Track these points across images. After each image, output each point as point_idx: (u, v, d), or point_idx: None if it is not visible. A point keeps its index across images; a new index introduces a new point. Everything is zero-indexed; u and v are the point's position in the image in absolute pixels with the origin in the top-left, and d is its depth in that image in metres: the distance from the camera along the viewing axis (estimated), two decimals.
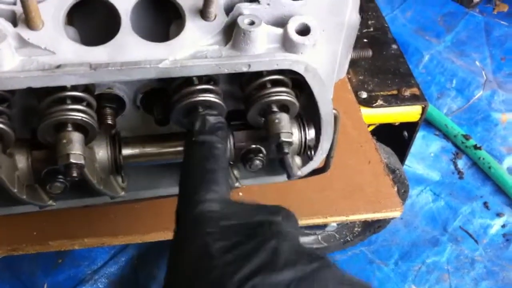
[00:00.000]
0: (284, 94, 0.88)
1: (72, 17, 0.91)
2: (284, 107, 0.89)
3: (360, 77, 1.62)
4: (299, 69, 0.86)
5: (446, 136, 2.23)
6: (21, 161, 0.86)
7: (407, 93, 1.59)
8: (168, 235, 1.23)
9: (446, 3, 2.72)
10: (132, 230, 1.23)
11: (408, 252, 1.93)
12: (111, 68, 0.80)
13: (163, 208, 1.21)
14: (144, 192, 1.00)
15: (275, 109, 0.88)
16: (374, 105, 1.56)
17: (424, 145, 2.19)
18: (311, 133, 0.95)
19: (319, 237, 1.83)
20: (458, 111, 2.33)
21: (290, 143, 0.87)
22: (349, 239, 1.84)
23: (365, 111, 1.54)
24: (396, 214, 1.34)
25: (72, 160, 0.80)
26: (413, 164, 2.13)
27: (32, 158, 0.87)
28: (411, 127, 1.67)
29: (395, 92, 1.60)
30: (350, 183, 1.35)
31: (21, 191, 0.87)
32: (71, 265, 1.72)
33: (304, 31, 0.86)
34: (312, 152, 0.96)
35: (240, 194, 1.24)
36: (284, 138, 0.86)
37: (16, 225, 1.18)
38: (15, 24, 0.81)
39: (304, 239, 1.79)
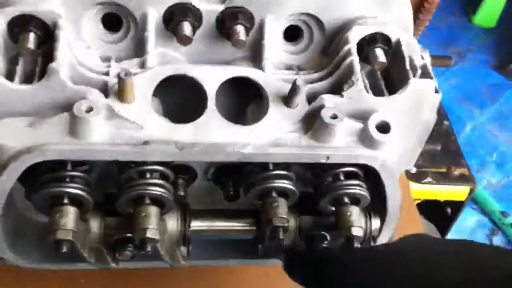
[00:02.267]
0: (357, 188, 0.89)
1: (157, 88, 0.93)
2: (355, 199, 0.90)
3: None
4: (375, 165, 0.87)
5: (483, 211, 2.22)
6: (94, 226, 0.88)
7: (457, 172, 1.59)
8: None
9: (490, 74, 2.73)
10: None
11: None
12: (196, 150, 0.82)
13: (211, 274, 1.21)
14: (203, 261, 1.01)
15: (347, 201, 0.89)
16: (423, 181, 1.56)
17: (461, 218, 2.18)
18: (375, 224, 0.96)
19: None
20: (497, 185, 2.32)
21: (359, 238, 0.88)
22: None
23: (414, 186, 1.55)
24: None
25: (149, 236, 0.81)
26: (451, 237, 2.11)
27: (105, 224, 0.88)
28: (456, 205, 1.67)
29: (444, 170, 1.60)
30: None
31: (90, 255, 0.88)
32: None
33: (384, 128, 0.87)
34: (375, 241, 0.96)
35: None
36: (355, 232, 0.87)
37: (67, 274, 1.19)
38: (106, 94, 0.84)
39: None
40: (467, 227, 2.20)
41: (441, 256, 0.68)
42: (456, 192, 1.60)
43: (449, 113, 2.45)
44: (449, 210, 1.70)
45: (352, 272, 0.71)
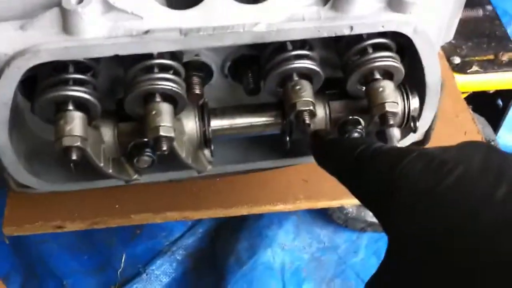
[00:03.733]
0: (388, 60, 0.79)
1: None
2: (388, 74, 0.81)
3: (452, 41, 1.49)
4: (407, 32, 0.77)
5: None
6: (107, 134, 0.82)
7: (505, 57, 1.46)
8: (252, 210, 1.18)
9: None
10: (215, 204, 1.18)
11: None
12: (202, 33, 0.74)
13: (245, 182, 1.15)
14: (231, 166, 0.95)
15: (378, 76, 0.80)
16: (468, 71, 1.44)
17: None
18: (414, 103, 0.86)
19: None
20: None
21: (395, 114, 0.79)
22: None
23: (459, 78, 1.42)
24: None
25: (162, 133, 0.75)
26: (504, 135, 1.97)
27: (118, 131, 0.82)
28: (506, 95, 1.54)
29: (491, 57, 1.47)
30: None
31: (107, 165, 0.82)
32: (148, 237, 1.71)
33: None
34: (416, 124, 0.87)
35: None
36: (389, 108, 0.78)
37: (97, 198, 1.15)
38: None
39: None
40: None
41: None
42: (507, 80, 1.47)
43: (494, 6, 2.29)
44: (500, 101, 1.57)
45: (410, 177, 0.58)
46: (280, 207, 1.19)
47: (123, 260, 1.68)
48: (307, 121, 0.77)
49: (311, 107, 0.77)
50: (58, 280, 1.65)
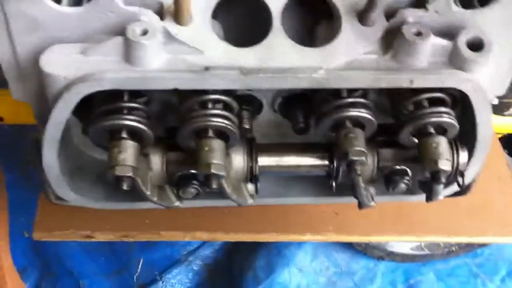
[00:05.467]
0: (444, 116, 0.79)
1: (216, 10, 0.85)
2: (442, 128, 0.80)
3: None
4: (466, 89, 0.77)
5: None
6: (156, 162, 0.82)
7: None
8: (279, 238, 1.18)
9: None
10: (244, 229, 1.18)
11: None
12: (262, 75, 0.73)
13: (276, 209, 1.15)
14: (271, 199, 0.94)
15: (432, 131, 0.79)
16: (506, 113, 1.43)
17: None
18: (463, 157, 0.86)
19: (422, 244, 1.73)
20: None
21: (447, 172, 0.78)
22: (454, 249, 1.72)
23: (495, 119, 1.41)
24: None
25: (213, 171, 0.74)
26: None
27: (167, 160, 0.82)
28: None
29: None
30: (477, 201, 1.24)
31: (153, 193, 0.82)
32: (166, 244, 1.71)
33: (476, 46, 0.76)
34: (464, 180, 0.86)
35: None
36: (442, 166, 0.77)
37: (128, 211, 1.16)
38: (161, 17, 0.75)
39: (406, 245, 1.70)
40: None
41: None
42: None
43: None
44: None
45: None
46: (309, 237, 1.19)
47: (140, 265, 1.69)
48: (359, 172, 0.77)
49: (363, 157, 0.77)
50: (74, 280, 1.65)
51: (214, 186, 0.75)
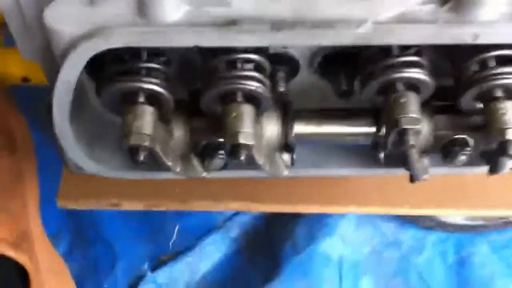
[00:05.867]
0: None
1: None
2: (510, 92, 0.68)
3: None
4: None
5: None
6: (178, 129, 0.74)
7: None
8: (322, 209, 1.10)
9: None
10: (282, 199, 1.10)
11: None
12: (298, 30, 0.63)
13: (316, 178, 1.06)
14: (307, 170, 0.85)
15: (500, 94, 0.68)
16: None
17: None
18: None
19: None
20: None
21: None
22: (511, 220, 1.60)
23: None
24: None
25: (241, 141, 0.66)
26: None
27: (191, 127, 0.73)
28: None
29: None
30: None
31: (176, 163, 0.74)
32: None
33: None
34: None
35: None
36: (511, 136, 0.66)
37: (157, 179, 1.08)
38: None
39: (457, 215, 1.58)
40: None
41: None
42: None
43: None
44: None
45: None
46: (353, 209, 1.10)
47: (176, 231, 1.63)
48: (411, 142, 0.66)
49: (418, 126, 0.66)
50: (108, 244, 1.61)
51: (243, 158, 0.66)
